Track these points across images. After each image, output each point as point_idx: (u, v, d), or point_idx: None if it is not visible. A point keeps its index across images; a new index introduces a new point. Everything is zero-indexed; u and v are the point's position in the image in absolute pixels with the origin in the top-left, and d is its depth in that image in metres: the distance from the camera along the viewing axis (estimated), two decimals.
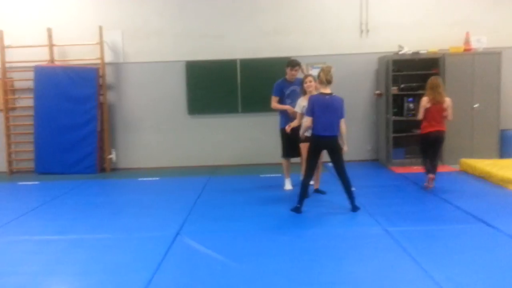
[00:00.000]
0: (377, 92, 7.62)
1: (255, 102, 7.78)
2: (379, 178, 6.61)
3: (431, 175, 5.56)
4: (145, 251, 3.79)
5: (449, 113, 5.51)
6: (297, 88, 5.81)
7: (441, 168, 6.90)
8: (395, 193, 5.60)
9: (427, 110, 5.52)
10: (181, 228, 4.36)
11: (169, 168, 7.85)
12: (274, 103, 5.89)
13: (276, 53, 7.74)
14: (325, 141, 4.73)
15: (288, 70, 5.86)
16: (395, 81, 7.25)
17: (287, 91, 5.82)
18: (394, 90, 7.22)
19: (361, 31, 7.79)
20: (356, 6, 7.74)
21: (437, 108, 5.49)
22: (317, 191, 5.57)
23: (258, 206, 5.12)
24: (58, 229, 4.46)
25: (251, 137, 7.92)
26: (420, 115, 5.61)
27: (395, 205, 4.98)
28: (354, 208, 4.73)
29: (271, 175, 6.81)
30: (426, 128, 5.58)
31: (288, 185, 5.93)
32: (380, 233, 4.03)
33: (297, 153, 5.60)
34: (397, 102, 7.29)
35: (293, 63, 5.86)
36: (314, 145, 4.78)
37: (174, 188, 6.29)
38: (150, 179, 6.95)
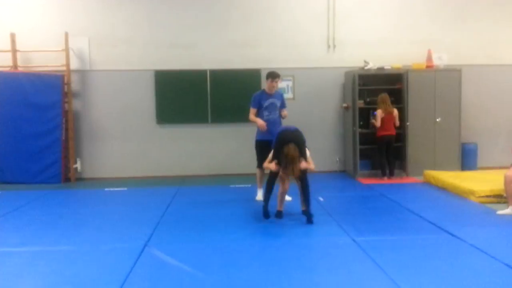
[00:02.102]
0: (345, 105, 7.81)
1: (224, 113, 7.81)
2: (346, 188, 6.75)
3: (386, 178, 7.05)
4: (112, 263, 3.69)
5: (396, 120, 7.14)
6: (276, 101, 5.78)
7: (405, 179, 7.18)
8: (362, 204, 5.74)
9: (381, 119, 6.99)
10: (149, 239, 4.28)
11: (137, 178, 7.71)
12: (251, 115, 5.80)
13: (246, 64, 7.83)
14: None
15: (268, 82, 5.75)
16: (361, 95, 7.47)
17: (266, 103, 5.72)
18: (360, 103, 7.44)
19: (329, 46, 8.00)
20: (324, 21, 7.95)
21: (388, 117, 7.04)
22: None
23: (227, 217, 5.11)
24: (20, 241, 4.29)
25: (220, 147, 7.92)
26: (378, 123, 7.02)
27: (362, 215, 5.10)
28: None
29: (241, 186, 6.82)
30: (381, 132, 7.07)
31: (260, 195, 5.90)
32: (348, 243, 4.10)
33: None
34: (363, 115, 7.50)
35: (273, 75, 5.73)
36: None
37: (142, 199, 6.18)
38: (117, 189, 6.80)
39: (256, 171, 5.91)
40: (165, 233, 4.49)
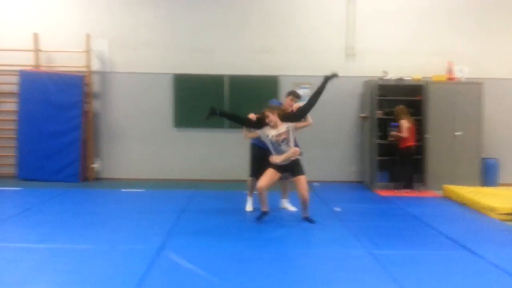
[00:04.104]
0: (362, 115, 7.76)
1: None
2: (363, 200, 6.68)
3: (407, 190, 6.99)
4: (127, 264, 3.71)
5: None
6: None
7: (424, 193, 7.08)
8: (379, 216, 5.68)
9: (408, 129, 6.89)
10: (164, 242, 4.29)
11: (153, 180, 7.77)
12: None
13: (264, 71, 7.86)
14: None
15: (288, 100, 5.61)
16: (380, 105, 7.41)
17: None
18: (379, 114, 7.38)
19: (347, 55, 7.97)
20: (343, 30, 7.94)
21: (412, 128, 6.99)
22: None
23: (240, 223, 5.10)
24: (39, 237, 4.35)
25: (236, 153, 7.90)
26: (405, 133, 6.91)
27: (379, 227, 5.04)
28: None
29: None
30: (407, 143, 6.98)
31: (249, 206, 5.67)
32: (364, 256, 4.05)
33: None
34: (382, 126, 7.44)
35: (295, 94, 5.66)
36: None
37: (158, 201, 6.22)
38: (134, 190, 6.85)
39: (248, 179, 5.70)
40: (180, 237, 4.50)
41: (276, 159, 4.99)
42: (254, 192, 5.48)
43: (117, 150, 7.90)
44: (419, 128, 7.29)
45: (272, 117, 4.97)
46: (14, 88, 7.56)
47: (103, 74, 7.87)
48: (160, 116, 7.89)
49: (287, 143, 4.98)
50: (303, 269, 3.73)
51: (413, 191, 7.04)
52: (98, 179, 7.80)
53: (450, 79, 7.56)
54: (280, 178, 5.26)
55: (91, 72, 7.66)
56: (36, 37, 7.59)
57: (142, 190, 6.89)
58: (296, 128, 5.19)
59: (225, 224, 5.06)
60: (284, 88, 7.86)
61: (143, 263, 3.70)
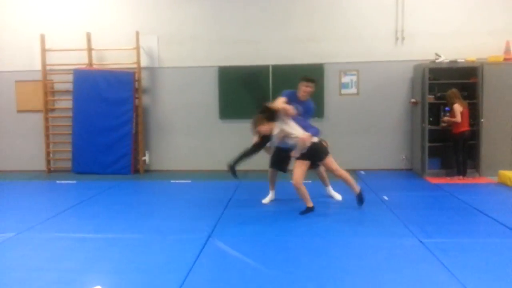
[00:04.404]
0: (413, 100, 7.48)
1: None
2: (413, 188, 6.46)
3: (461, 177, 6.69)
4: (178, 252, 3.83)
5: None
6: (301, 109, 5.19)
7: (478, 180, 6.73)
8: (430, 204, 5.47)
9: (461, 114, 6.60)
10: (213, 231, 4.39)
11: (200, 171, 7.94)
12: (280, 102, 5.00)
13: (309, 59, 7.75)
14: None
15: (302, 86, 5.25)
16: (432, 89, 7.10)
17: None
18: (430, 98, 7.08)
19: (397, 39, 7.69)
20: (392, 13, 7.65)
21: (465, 112, 6.67)
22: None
23: (287, 212, 5.10)
24: (95, 228, 4.58)
25: None
26: (458, 118, 6.60)
27: (430, 216, 4.85)
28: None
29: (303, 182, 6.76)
30: (460, 128, 6.67)
31: (268, 198, 5.53)
32: (415, 245, 3.92)
33: (284, 168, 5.39)
34: (433, 111, 7.13)
35: (306, 78, 5.25)
36: None
37: (206, 192, 6.36)
38: (182, 181, 7.04)
39: (268, 170, 5.55)
40: (227, 226, 4.57)
41: (293, 154, 4.97)
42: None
43: (165, 143, 8.14)
44: (474, 112, 6.91)
45: (263, 128, 4.88)
46: (69, 86, 7.97)
47: (152, 70, 8.10)
48: (206, 109, 8.03)
49: (290, 137, 4.87)
50: (351, 258, 3.67)
51: (467, 178, 6.72)
52: (148, 171, 8.09)
53: (507, 59, 7.09)
54: (312, 167, 5.18)
55: (140, 68, 7.91)
56: (88, 36, 7.93)
57: (189, 181, 7.07)
58: (286, 117, 4.91)
59: (271, 213, 5.09)
60: (330, 76, 7.75)
61: (193, 252, 3.80)
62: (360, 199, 5.14)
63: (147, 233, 4.39)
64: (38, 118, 8.16)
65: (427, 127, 7.04)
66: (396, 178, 7.14)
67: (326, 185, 5.74)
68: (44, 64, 7.98)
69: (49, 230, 4.53)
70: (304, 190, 5.00)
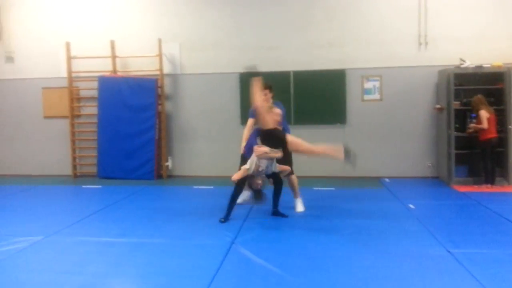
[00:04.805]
0: (438, 106, 7.34)
1: (308, 114, 7.76)
2: (440, 196, 6.29)
3: (489, 186, 6.52)
4: (201, 258, 3.85)
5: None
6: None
7: (507, 188, 6.55)
8: (457, 213, 5.33)
9: (487, 120, 6.46)
10: (236, 237, 4.39)
11: (222, 177, 7.89)
12: (247, 127, 5.35)
13: (330, 65, 7.70)
14: None
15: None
16: (457, 95, 6.96)
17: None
18: (456, 104, 6.93)
19: (420, 44, 7.57)
20: (414, 17, 7.55)
21: (492, 118, 6.53)
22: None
23: (312, 219, 5.06)
24: (119, 232, 4.64)
25: None
26: (485, 124, 6.45)
27: (458, 225, 4.74)
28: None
29: (324, 188, 6.74)
30: (487, 135, 6.51)
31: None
32: (442, 255, 3.84)
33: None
34: (459, 118, 6.98)
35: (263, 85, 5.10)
36: None
37: (227, 197, 6.33)
38: (204, 187, 7.07)
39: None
40: (250, 232, 4.56)
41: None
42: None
43: (188, 149, 8.20)
44: (501, 119, 6.74)
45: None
46: (94, 93, 8.12)
47: (174, 77, 8.19)
48: (228, 115, 8.06)
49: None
50: (377, 267, 3.60)
51: (495, 187, 6.54)
52: (170, 176, 8.16)
53: None
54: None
55: (163, 75, 8.01)
56: (113, 44, 8.08)
57: (211, 187, 7.09)
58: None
59: (294, 220, 5.06)
60: (352, 82, 7.69)
61: (216, 258, 3.81)
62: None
63: (170, 238, 4.42)
64: (64, 124, 8.34)
65: (453, 133, 6.88)
66: (422, 186, 7.01)
67: (295, 197, 5.55)
68: (69, 71, 8.16)
69: (75, 234, 4.61)
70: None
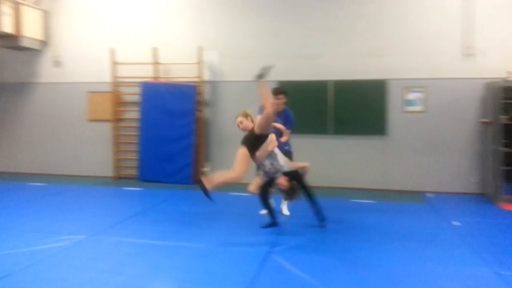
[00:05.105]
0: (484, 120, 7.06)
1: (347, 124, 7.66)
2: (486, 214, 6.02)
3: None
4: (238, 266, 3.84)
5: None
6: (279, 121, 5.36)
7: None
8: (505, 232, 5.06)
9: None
10: (273, 246, 4.36)
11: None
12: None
13: (371, 75, 7.57)
14: None
15: (274, 99, 5.34)
16: (506, 109, 6.66)
17: None
18: (503, 119, 6.63)
19: (466, 55, 7.32)
20: (460, 28, 7.31)
21: None
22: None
23: (350, 232, 4.96)
24: (158, 235, 4.71)
25: (342, 160, 7.76)
26: None
27: (506, 245, 4.50)
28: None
29: (363, 201, 6.59)
30: None
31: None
32: (489, 276, 3.65)
33: None
34: (507, 133, 6.67)
35: (276, 91, 5.38)
36: None
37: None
38: (241, 194, 7.07)
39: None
40: (287, 241, 4.52)
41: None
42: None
43: (226, 155, 8.23)
44: None
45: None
46: (136, 98, 8.35)
47: (213, 83, 8.30)
48: None
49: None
50: (419, 286, 3.47)
51: None
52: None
53: None
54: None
55: (203, 82, 8.13)
56: (155, 51, 8.30)
57: (245, 194, 7.07)
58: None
59: (332, 231, 4.96)
60: (393, 93, 7.52)
61: (253, 266, 3.80)
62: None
63: (208, 243, 4.44)
64: (107, 127, 8.62)
65: (501, 149, 6.59)
66: (466, 202, 6.71)
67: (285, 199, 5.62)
68: (114, 76, 8.43)
69: (116, 235, 4.72)
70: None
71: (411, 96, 7.52)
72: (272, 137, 4.74)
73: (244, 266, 3.81)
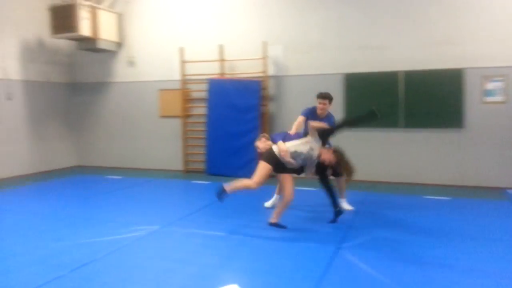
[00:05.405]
0: None
1: (419, 117, 7.30)
2: None
3: None
4: (307, 261, 3.82)
5: None
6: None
7: None
8: None
9: None
10: (342, 242, 4.28)
11: None
12: (296, 122, 5.19)
13: (445, 64, 7.13)
14: None
15: (317, 103, 5.32)
16: None
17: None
18: None
19: None
20: None
21: None
22: None
23: (424, 229, 4.73)
24: (227, 227, 4.81)
25: (413, 154, 7.43)
26: None
27: None
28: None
29: (437, 197, 6.25)
30: None
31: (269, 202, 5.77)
32: None
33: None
34: None
35: (320, 95, 5.32)
36: None
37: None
38: (307, 188, 7.02)
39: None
40: (356, 238, 4.42)
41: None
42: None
43: None
44: None
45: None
46: (204, 94, 8.58)
47: (277, 78, 8.30)
48: None
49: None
50: None
51: None
52: (273, 176, 8.23)
53: None
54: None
55: (267, 77, 8.17)
56: (221, 48, 8.46)
57: (313, 189, 7.01)
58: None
59: (404, 229, 4.77)
60: (471, 83, 7.03)
61: (322, 262, 3.76)
62: (276, 226, 4.82)
63: (276, 238, 4.46)
64: (177, 123, 8.96)
65: None
66: None
67: (342, 197, 5.58)
68: (183, 74, 8.74)
69: (187, 226, 4.90)
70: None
71: (491, 85, 6.99)
72: (280, 145, 4.77)
73: (312, 262, 3.78)
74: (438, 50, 7.21)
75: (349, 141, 7.78)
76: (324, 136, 4.75)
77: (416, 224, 4.93)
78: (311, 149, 4.71)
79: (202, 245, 4.25)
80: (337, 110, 7.81)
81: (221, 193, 4.86)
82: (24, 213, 5.54)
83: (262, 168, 4.82)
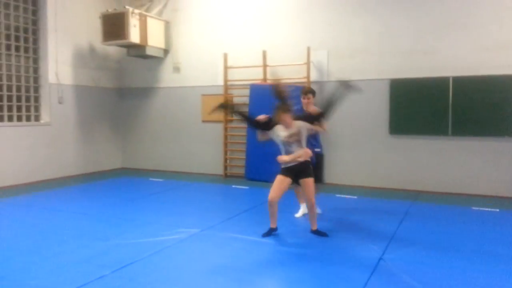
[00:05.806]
0: None
1: (469, 125, 7.00)
2: None
3: None
4: (349, 270, 3.73)
5: None
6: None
7: None
8: None
9: None
10: (384, 252, 4.15)
11: (366, 187, 7.67)
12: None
13: (499, 70, 6.80)
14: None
15: (302, 100, 5.45)
16: None
17: None
18: None
19: None
20: None
21: None
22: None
23: (471, 242, 4.51)
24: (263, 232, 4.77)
25: (462, 163, 7.11)
26: None
27: None
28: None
29: (486, 209, 5.95)
30: None
31: (299, 212, 5.65)
32: None
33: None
34: None
35: (304, 90, 5.48)
36: None
37: (373, 209, 6.07)
38: (348, 196, 6.90)
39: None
40: (399, 249, 4.27)
41: (284, 158, 4.74)
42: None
43: (332, 156, 8.09)
44: None
45: (284, 117, 4.67)
46: (246, 100, 8.62)
47: (321, 84, 8.21)
48: (375, 123, 7.74)
49: (299, 144, 4.69)
50: None
51: None
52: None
53: None
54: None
55: (310, 82, 8.10)
56: (264, 54, 8.50)
57: (355, 197, 6.87)
58: (309, 130, 4.81)
59: (449, 241, 4.56)
60: None
61: (364, 272, 3.67)
62: (319, 234, 4.74)
63: (316, 246, 4.39)
64: (219, 128, 9.08)
65: None
66: None
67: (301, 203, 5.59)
68: (226, 79, 8.85)
69: (227, 230, 4.93)
70: (275, 209, 4.75)
71: None
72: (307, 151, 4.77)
73: (355, 272, 3.69)
74: (489, 56, 6.89)
75: (389, 148, 7.62)
76: (316, 118, 4.86)
77: (464, 237, 4.70)
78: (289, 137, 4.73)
79: (241, 250, 4.26)
80: (383, 117, 7.65)
81: (270, 232, 4.78)
82: (71, 213, 5.77)
83: (281, 181, 4.91)
